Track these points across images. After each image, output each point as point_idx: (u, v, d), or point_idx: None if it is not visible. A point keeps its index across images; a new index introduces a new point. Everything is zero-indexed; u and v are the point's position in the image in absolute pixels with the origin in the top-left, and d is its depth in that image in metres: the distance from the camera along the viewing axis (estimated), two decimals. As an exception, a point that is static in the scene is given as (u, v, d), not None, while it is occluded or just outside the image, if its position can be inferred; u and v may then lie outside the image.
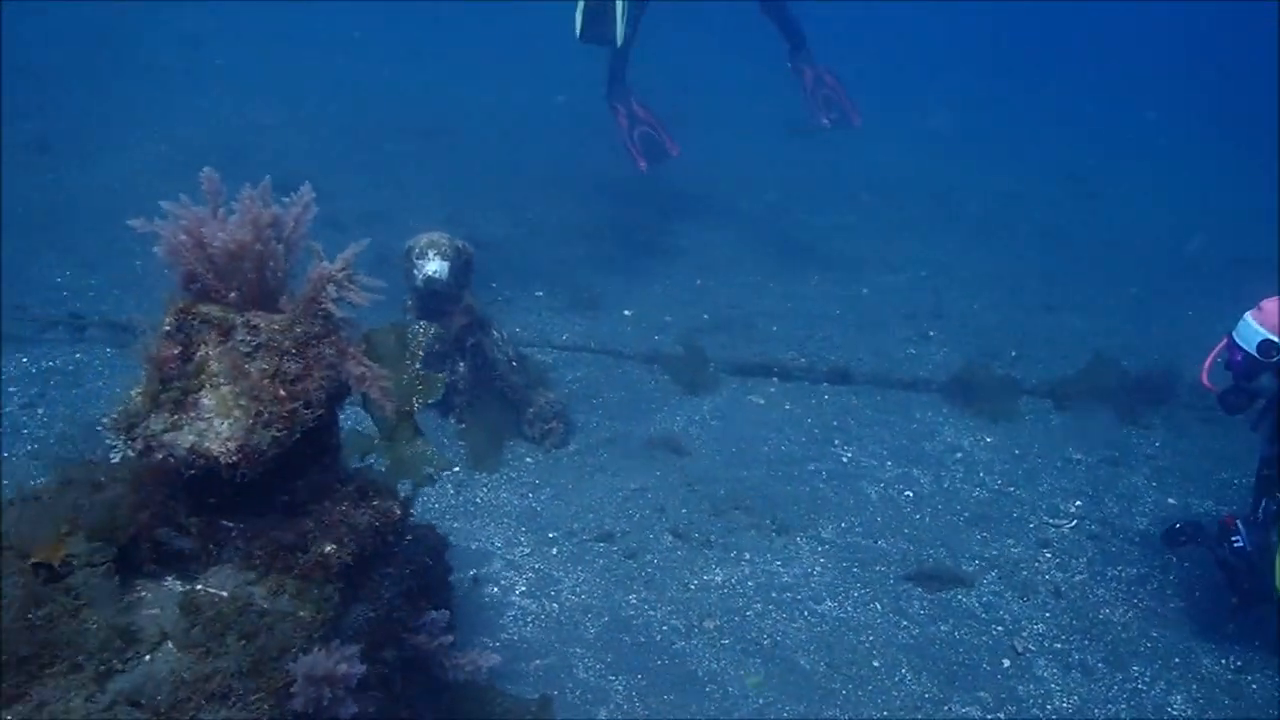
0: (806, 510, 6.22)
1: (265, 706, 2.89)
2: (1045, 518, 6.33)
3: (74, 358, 7.20)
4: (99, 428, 3.12)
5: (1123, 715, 4.81)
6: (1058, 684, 4.97)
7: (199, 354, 3.18)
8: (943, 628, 5.32)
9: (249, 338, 3.15)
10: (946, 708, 4.76)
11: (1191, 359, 5.43)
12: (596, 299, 9.09)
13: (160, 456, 3.01)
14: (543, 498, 6.02)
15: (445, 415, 6.58)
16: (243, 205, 3.25)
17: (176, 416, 3.06)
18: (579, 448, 6.56)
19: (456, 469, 6.17)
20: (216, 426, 3.05)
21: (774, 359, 8.09)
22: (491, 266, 9.17)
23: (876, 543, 5.97)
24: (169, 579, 3.25)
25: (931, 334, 9.17)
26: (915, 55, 24.52)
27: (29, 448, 6.06)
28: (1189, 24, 28.33)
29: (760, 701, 4.66)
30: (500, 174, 12.67)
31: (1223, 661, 5.24)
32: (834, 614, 5.33)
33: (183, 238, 3.18)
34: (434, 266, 6.03)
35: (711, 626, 5.13)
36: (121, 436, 3.07)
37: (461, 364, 6.33)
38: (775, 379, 7.86)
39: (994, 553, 5.97)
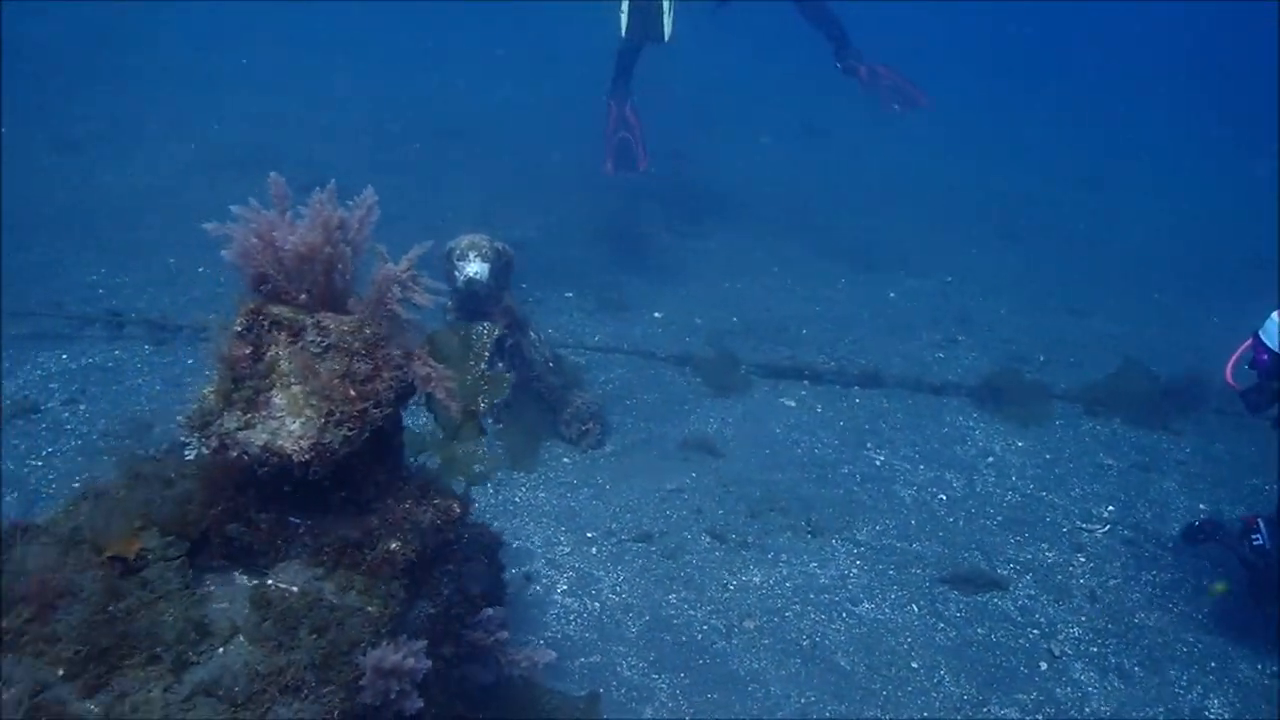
0: (841, 512, 6.26)
1: (336, 700, 2.95)
2: (1078, 522, 6.36)
3: (113, 354, 7.28)
4: (174, 425, 3.17)
5: (1160, 718, 4.83)
6: (1095, 687, 5.01)
7: (269, 354, 3.24)
8: (979, 630, 5.36)
9: (319, 338, 3.21)
10: (986, 709, 4.80)
11: (1218, 364, 5.45)
12: (625, 300, 9.15)
13: (235, 454, 3.07)
14: (581, 498, 6.08)
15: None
16: (313, 208, 3.31)
17: (249, 415, 3.12)
18: (615, 448, 6.62)
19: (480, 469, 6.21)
20: (289, 425, 3.11)
21: (805, 362, 8.13)
22: (521, 267, 9.21)
23: (911, 545, 6.01)
24: (236, 574, 3.32)
25: (959, 338, 9.21)
26: (922, 56, 24.53)
27: (74, 443, 6.14)
28: (1192, 24, 28.26)
29: (802, 701, 4.70)
30: (524, 174, 12.75)
31: (1259, 667, 5.26)
32: (872, 615, 5.37)
33: (254, 240, 3.24)
34: (475, 268, 6.09)
35: (751, 626, 5.17)
36: (196, 434, 3.13)
37: (500, 365, 6.39)
38: (806, 382, 7.90)
39: (1028, 556, 6.01)
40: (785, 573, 5.64)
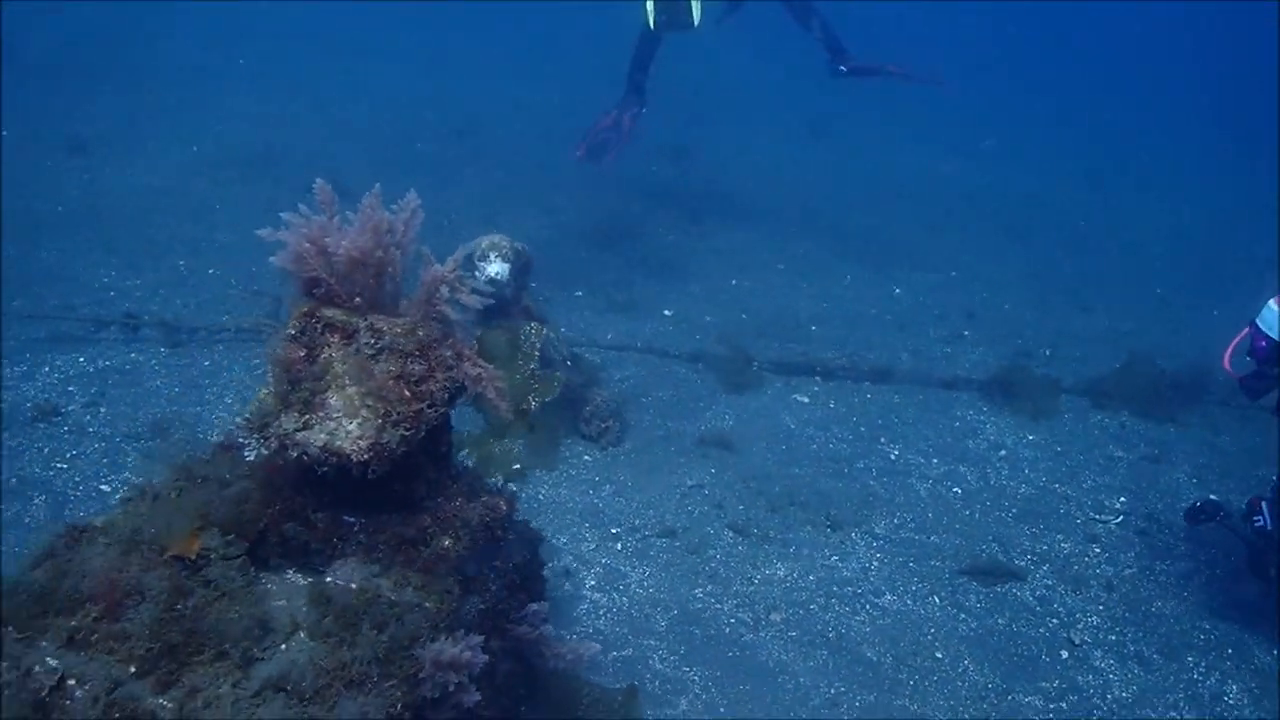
0: (859, 506, 6.36)
1: (399, 694, 3.02)
2: (1092, 514, 6.46)
3: (129, 357, 7.32)
4: (233, 426, 3.24)
5: (1180, 704, 4.94)
6: (1115, 674, 5.11)
7: (323, 356, 3.30)
8: (1000, 620, 5.46)
9: (373, 340, 3.28)
10: (1010, 698, 4.89)
11: (1220, 357, 5.57)
12: (636, 299, 9.22)
13: (294, 455, 3.14)
14: (603, 494, 6.15)
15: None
16: (363, 212, 3.37)
17: (307, 416, 3.19)
18: (634, 445, 6.69)
19: (516, 466, 6.29)
20: (346, 426, 3.17)
21: (816, 358, 8.23)
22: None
23: (930, 538, 6.11)
24: (291, 572, 3.39)
25: (965, 333, 9.31)
26: (924, 55, 24.66)
27: (97, 446, 6.18)
28: (1192, 24, 28.44)
29: (831, 691, 4.79)
30: (530, 174, 12.80)
31: (1275, 653, 5.37)
32: (895, 607, 5.46)
33: (306, 245, 3.30)
34: (495, 268, 6.14)
35: (778, 619, 5.26)
36: (255, 435, 3.19)
37: (521, 363, 6.45)
38: (818, 378, 7.99)
39: (1044, 548, 6.11)
40: (808, 566, 5.72)
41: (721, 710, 4.56)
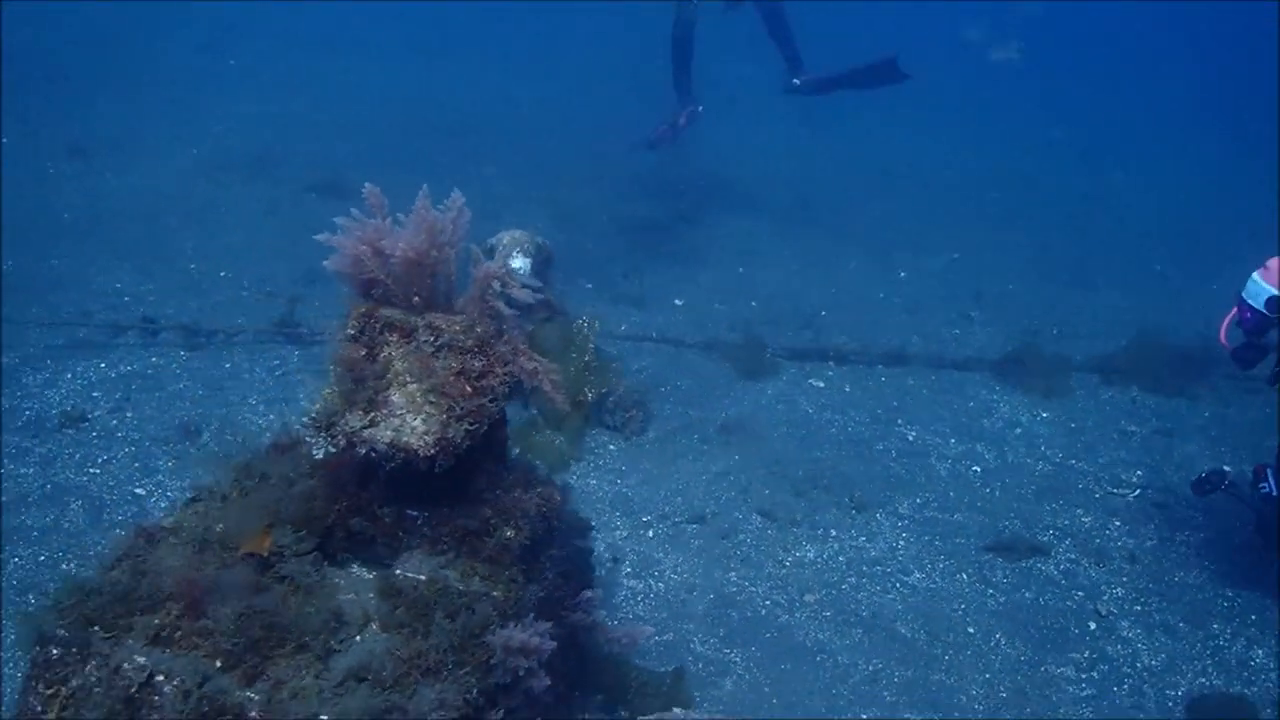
0: (881, 488, 6.46)
1: (472, 680, 3.10)
2: (1110, 488, 6.59)
3: (150, 361, 7.36)
4: (300, 425, 3.31)
5: (1209, 670, 5.06)
6: (1144, 644, 5.23)
7: (383, 355, 3.38)
8: (1027, 594, 5.57)
9: (432, 338, 3.36)
10: (1043, 669, 5.01)
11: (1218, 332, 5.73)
12: (645, 290, 9.28)
13: (362, 451, 3.21)
14: (631, 483, 6.24)
15: (526, 406, 6.77)
16: (416, 214, 3.45)
17: (372, 414, 3.26)
18: (658, 434, 6.77)
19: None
20: (410, 422, 3.25)
21: (828, 343, 8.33)
22: (539, 260, 9.40)
23: (953, 516, 6.22)
24: (355, 566, 3.47)
25: (973, 315, 9.43)
26: (924, 48, 24.81)
27: (127, 450, 6.24)
28: (1189, 18, 28.58)
29: (870, 669, 4.90)
30: (530, 170, 12.84)
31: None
32: (924, 585, 5.57)
33: (363, 248, 3.37)
34: (517, 263, 6.21)
35: (812, 600, 5.36)
36: (322, 434, 3.27)
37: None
38: (831, 363, 8.09)
39: (1065, 522, 6.23)
40: (836, 547, 5.83)
41: (765, 690, 4.66)
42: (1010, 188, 14.39)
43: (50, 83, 14.30)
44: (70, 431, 6.36)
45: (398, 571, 3.32)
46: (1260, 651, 5.21)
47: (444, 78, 17.92)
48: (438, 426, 3.22)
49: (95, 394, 6.85)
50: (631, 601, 5.24)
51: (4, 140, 11.97)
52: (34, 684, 2.94)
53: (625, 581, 5.39)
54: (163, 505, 5.69)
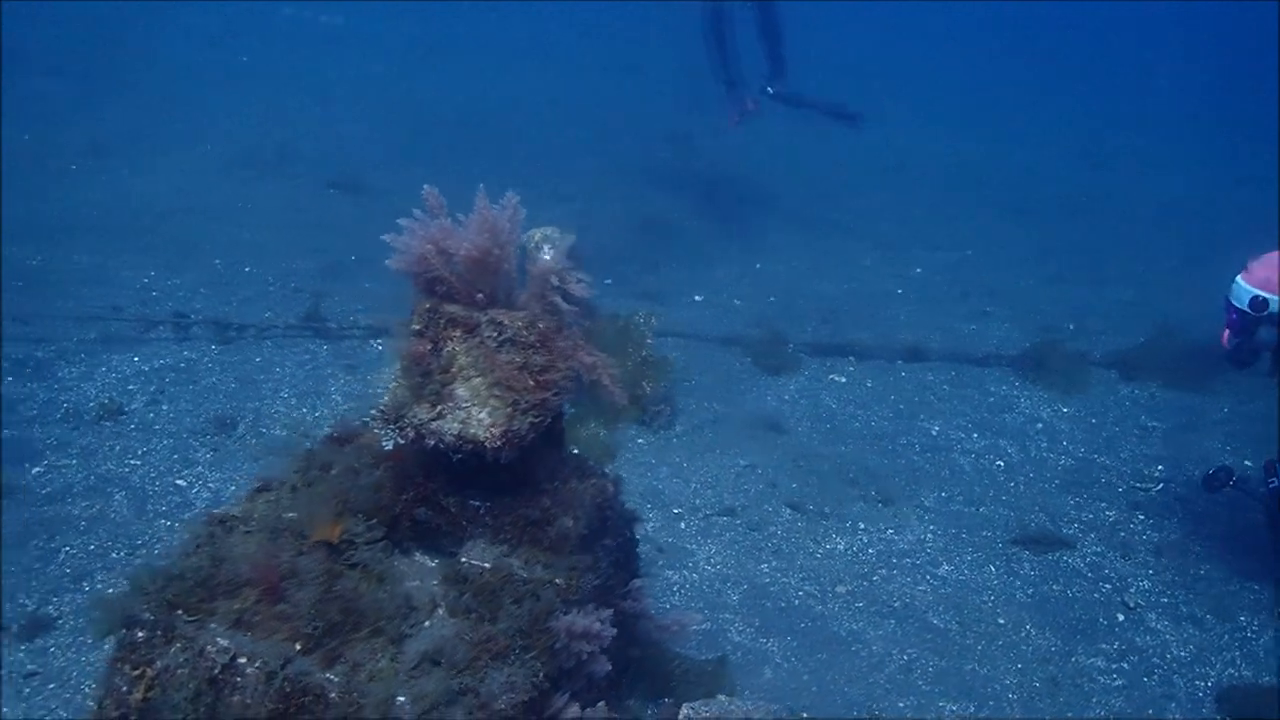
0: (907, 481, 6.56)
1: (538, 664, 3.20)
2: (1133, 482, 6.69)
3: (182, 355, 7.45)
4: (368, 418, 3.40)
5: (1238, 661, 5.16)
6: (1172, 635, 5.33)
7: (446, 349, 3.47)
8: (1055, 586, 5.68)
9: (495, 334, 3.45)
10: (1074, 660, 5.11)
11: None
12: (664, 286, 9.40)
13: (431, 443, 3.31)
14: (661, 476, 6.33)
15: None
16: (477, 214, 3.54)
17: (440, 406, 3.36)
18: (685, 428, 6.87)
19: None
20: (477, 414, 3.35)
21: (848, 338, 8.43)
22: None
23: (978, 510, 6.32)
24: (418, 554, 3.57)
25: (988, 310, 9.53)
26: (928, 49, 24.99)
27: (166, 442, 6.33)
28: (1192, 19, 28.67)
29: (904, 658, 5.00)
30: (541, 166, 12.94)
31: (1294, 607, 5.61)
32: (953, 577, 5.67)
33: (428, 247, 3.46)
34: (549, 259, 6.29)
35: (844, 591, 5.46)
36: (391, 426, 3.36)
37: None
38: (852, 358, 8.19)
39: (1090, 516, 6.33)
40: (866, 540, 5.93)
41: (805, 678, 4.76)
42: (1015, 182, 14.51)
43: (65, 81, 14.39)
44: (109, 424, 6.45)
45: (463, 559, 3.42)
46: (1286, 642, 5.31)
47: (455, 75, 18.03)
48: (503, 419, 3.31)
49: (130, 387, 6.94)
50: (668, 592, 5.33)
51: (25, 137, 12.07)
52: (120, 664, 3.04)
53: (661, 572, 5.48)
54: (204, 496, 5.79)
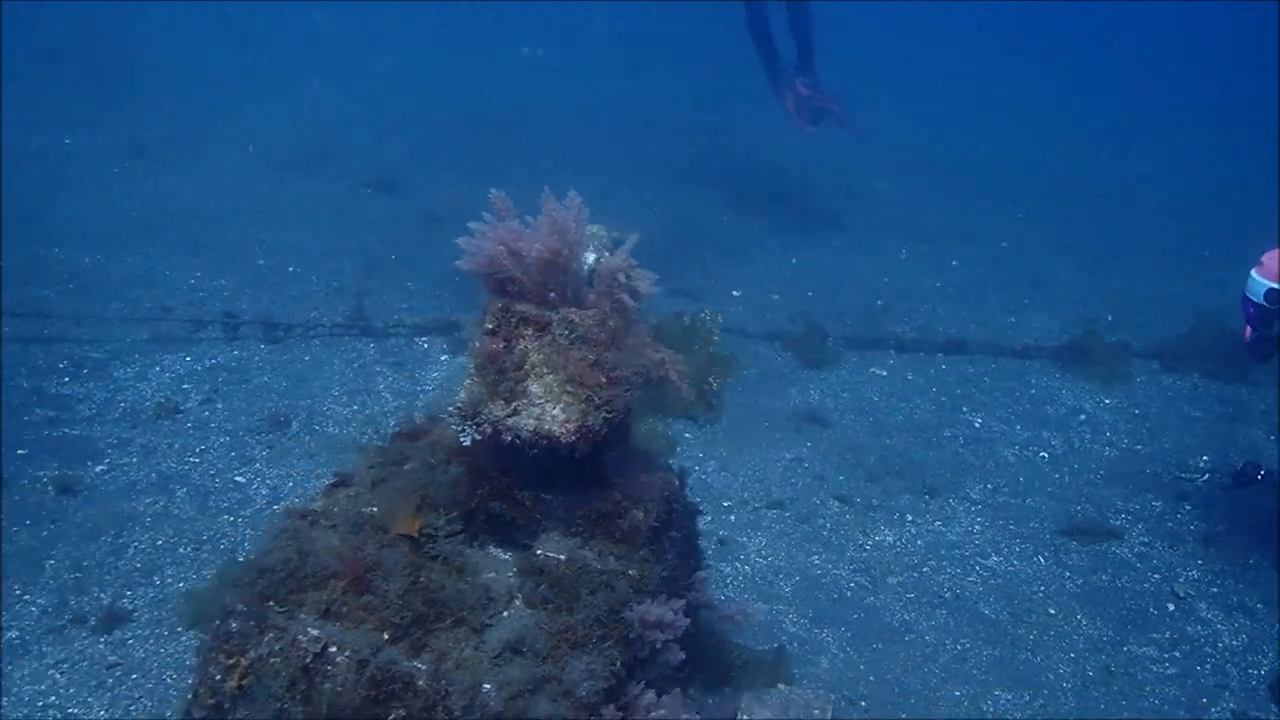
0: (952, 473, 6.62)
1: (615, 654, 3.29)
2: (1178, 473, 6.71)
3: (233, 355, 7.59)
4: (445, 414, 3.49)
5: (1290, 650, 5.21)
6: (1224, 625, 5.37)
7: (519, 347, 3.56)
8: (1104, 577, 5.72)
9: (566, 331, 3.53)
10: (1126, 649, 5.16)
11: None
12: (702, 282, 9.46)
13: (508, 439, 3.40)
14: (709, 469, 6.42)
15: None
16: (547, 216, 3.62)
17: (515, 403, 3.45)
18: (730, 422, 6.94)
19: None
20: (551, 411, 3.43)
21: (888, 332, 8.47)
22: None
23: (1025, 501, 6.37)
24: (491, 546, 3.66)
25: (1026, 302, 9.55)
26: (940, 47, 24.95)
27: (223, 440, 6.47)
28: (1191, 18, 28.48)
29: (958, 648, 5.06)
30: (575, 164, 13.00)
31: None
32: (1002, 567, 5.73)
33: (500, 249, 3.55)
34: (595, 258, 6.37)
35: (895, 582, 5.53)
36: (468, 422, 3.45)
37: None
38: (892, 351, 8.24)
39: (1136, 507, 6.36)
40: (914, 531, 5.99)
41: (861, 668, 4.83)
42: (1047, 172, 14.51)
43: (104, 84, 14.59)
44: (166, 422, 6.60)
45: (538, 551, 3.51)
46: (1339, 631, 5.34)
47: (484, 73, 18.14)
48: (577, 415, 3.40)
49: (185, 386, 7.09)
50: (721, 583, 5.42)
51: (66, 141, 12.28)
52: (214, 654, 3.16)
53: (713, 564, 5.55)
54: (263, 492, 5.93)
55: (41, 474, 5.88)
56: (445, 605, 3.24)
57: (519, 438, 3.40)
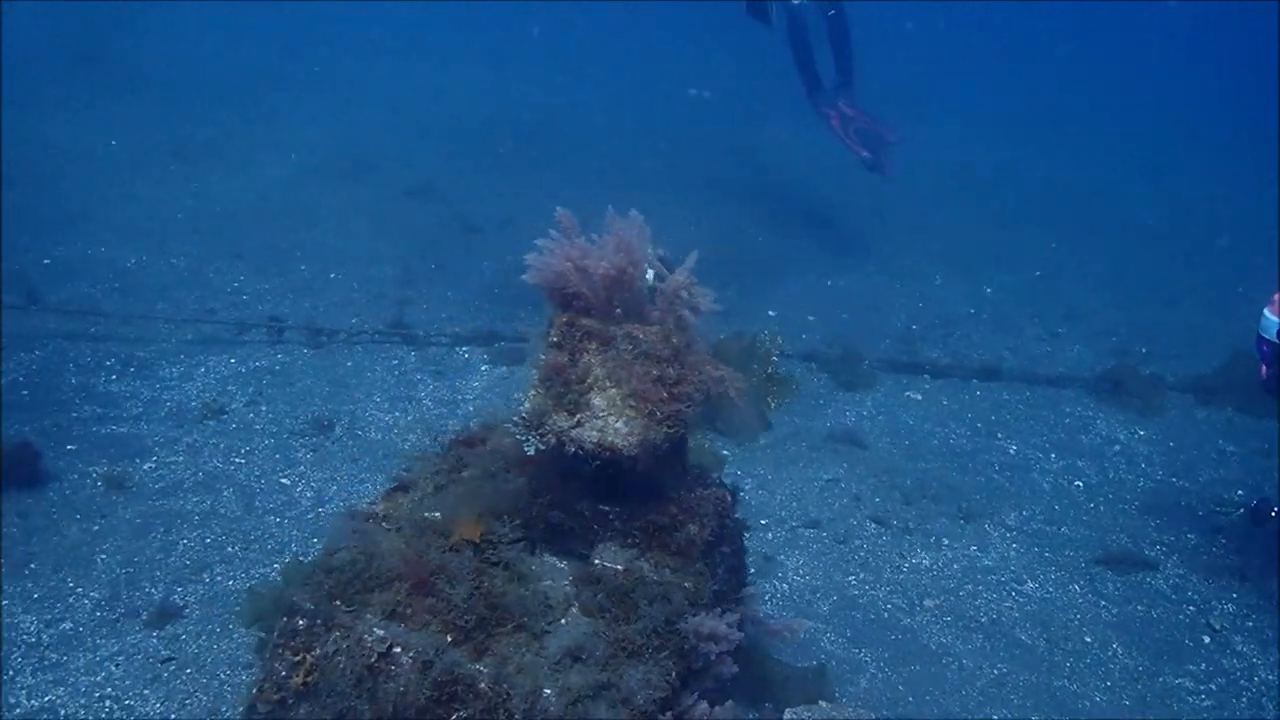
0: (987, 499, 6.65)
1: (671, 664, 3.36)
2: (1213, 506, 6.72)
3: (276, 358, 7.71)
4: (510, 424, 3.57)
5: (1327, 687, 5.21)
6: (1259, 658, 5.38)
7: (583, 360, 3.64)
8: (1139, 607, 5.74)
9: (630, 347, 3.61)
10: (1161, 680, 5.18)
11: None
12: (737, 301, 9.50)
13: (571, 450, 3.48)
14: (747, 488, 6.46)
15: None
16: (615, 235, 3.71)
17: (578, 415, 3.53)
18: (768, 442, 6.99)
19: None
20: (613, 424, 3.51)
21: (923, 356, 8.52)
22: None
23: (1060, 529, 6.39)
24: (547, 555, 3.74)
25: (1060, 331, 9.57)
26: (954, 58, 25.03)
27: (268, 442, 6.57)
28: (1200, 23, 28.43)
29: (995, 673, 5.09)
30: (608, 176, 13.14)
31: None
32: (1038, 594, 5.75)
33: (568, 265, 3.64)
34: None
35: (931, 605, 5.57)
36: (532, 433, 3.53)
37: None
38: (927, 376, 8.28)
39: (1171, 539, 6.38)
40: (950, 555, 6.03)
41: (900, 689, 4.87)
42: (1079, 200, 14.55)
43: (145, 88, 14.82)
44: (211, 423, 6.71)
45: (596, 561, 3.58)
46: (1375, 669, 5.34)
47: (517, 82, 18.32)
48: (639, 429, 3.48)
49: (230, 388, 7.20)
50: (758, 601, 5.44)
51: (113, 143, 12.49)
52: (280, 650, 3.24)
53: (752, 580, 5.58)
54: (308, 495, 6.02)
55: (91, 470, 5.99)
56: (506, 611, 3.32)
57: (582, 449, 3.48)
